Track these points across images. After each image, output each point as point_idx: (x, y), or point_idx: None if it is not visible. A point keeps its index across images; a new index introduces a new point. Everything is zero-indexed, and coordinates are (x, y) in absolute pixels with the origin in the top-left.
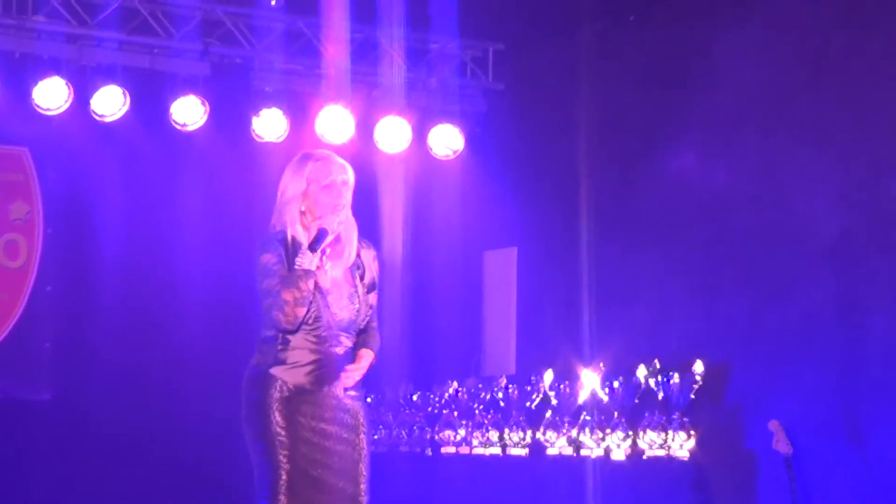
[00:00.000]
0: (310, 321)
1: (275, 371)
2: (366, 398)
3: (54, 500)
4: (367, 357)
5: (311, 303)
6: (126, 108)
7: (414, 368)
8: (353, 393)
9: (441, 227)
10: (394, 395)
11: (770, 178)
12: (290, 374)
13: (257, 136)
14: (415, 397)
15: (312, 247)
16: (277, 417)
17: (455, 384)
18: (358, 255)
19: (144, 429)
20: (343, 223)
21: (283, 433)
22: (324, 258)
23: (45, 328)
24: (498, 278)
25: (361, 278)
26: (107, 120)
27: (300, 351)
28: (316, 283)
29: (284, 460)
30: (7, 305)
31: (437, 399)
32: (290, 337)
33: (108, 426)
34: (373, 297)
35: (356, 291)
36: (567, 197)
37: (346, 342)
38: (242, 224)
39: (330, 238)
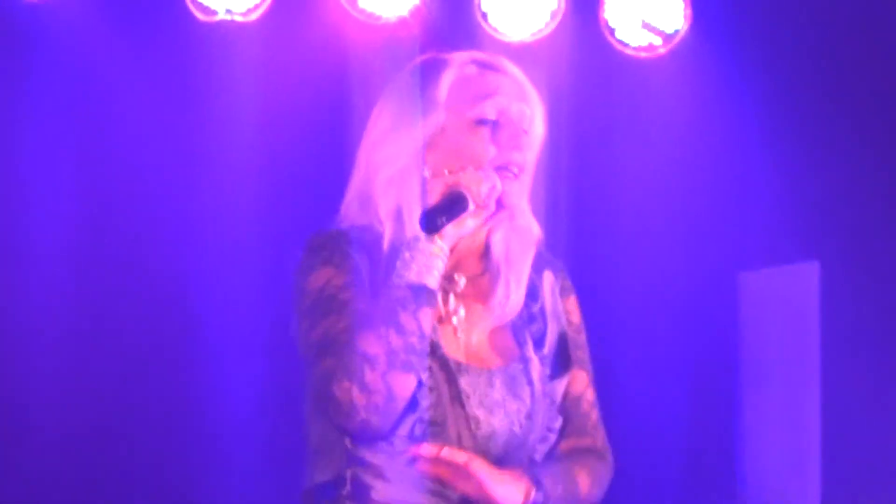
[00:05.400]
0: (417, 432)
1: None
2: None
3: None
4: (505, 480)
5: (426, 382)
6: None
7: None
8: None
9: (638, 213)
10: None
11: None
12: None
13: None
14: None
15: (431, 223)
16: None
17: None
18: (532, 292)
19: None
20: (493, 198)
21: None
22: (453, 302)
23: None
24: (774, 324)
25: (537, 343)
26: None
27: (396, 488)
28: (439, 351)
29: None
30: None
31: None
32: (372, 458)
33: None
34: (573, 386)
35: (525, 371)
36: None
37: None
38: (301, 194)
39: (471, 223)
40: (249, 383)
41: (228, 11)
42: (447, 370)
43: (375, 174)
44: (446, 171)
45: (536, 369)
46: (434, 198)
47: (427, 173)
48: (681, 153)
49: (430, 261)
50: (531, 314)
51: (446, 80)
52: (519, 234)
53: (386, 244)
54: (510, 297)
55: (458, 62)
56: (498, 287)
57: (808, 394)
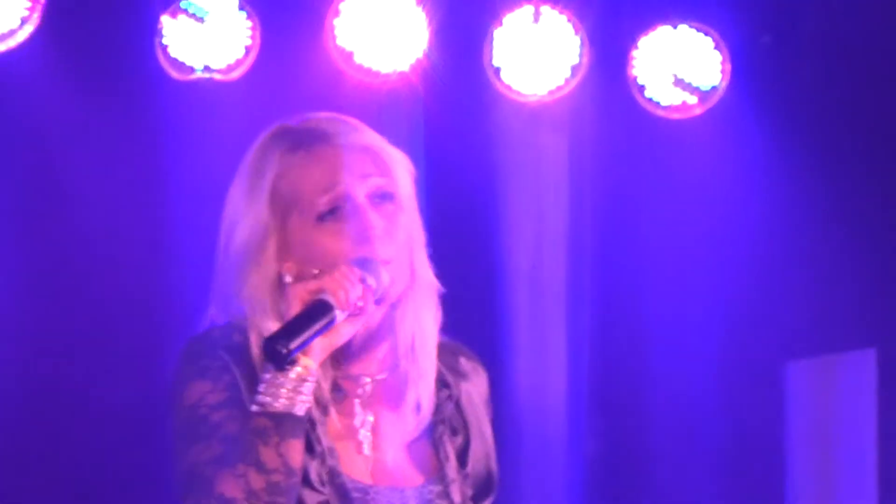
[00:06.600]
0: None
1: None
2: None
3: None
4: None
5: None
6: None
7: None
8: None
9: (672, 296)
10: None
11: None
12: None
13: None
14: None
15: (274, 354)
16: None
17: None
18: (452, 395)
19: None
20: (371, 298)
21: None
22: (360, 412)
23: None
24: (828, 417)
25: (461, 458)
26: None
27: None
28: (338, 479)
29: None
30: None
31: None
32: None
33: None
34: None
35: (445, 493)
36: None
37: None
38: None
39: (347, 330)
40: None
41: (207, 68)
42: (347, 499)
43: (227, 272)
44: (315, 272)
45: (458, 491)
46: (295, 307)
47: (288, 279)
48: (720, 227)
49: (295, 385)
50: (445, 420)
51: (274, 163)
52: (413, 317)
53: (254, 349)
54: (421, 400)
55: (289, 138)
56: (408, 390)
57: (864, 490)
